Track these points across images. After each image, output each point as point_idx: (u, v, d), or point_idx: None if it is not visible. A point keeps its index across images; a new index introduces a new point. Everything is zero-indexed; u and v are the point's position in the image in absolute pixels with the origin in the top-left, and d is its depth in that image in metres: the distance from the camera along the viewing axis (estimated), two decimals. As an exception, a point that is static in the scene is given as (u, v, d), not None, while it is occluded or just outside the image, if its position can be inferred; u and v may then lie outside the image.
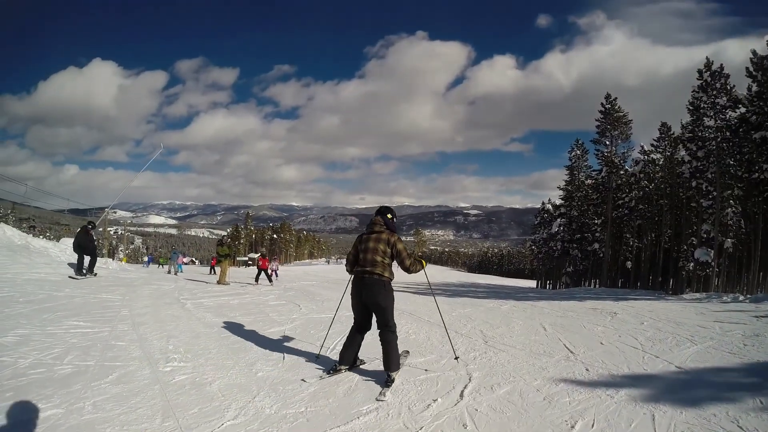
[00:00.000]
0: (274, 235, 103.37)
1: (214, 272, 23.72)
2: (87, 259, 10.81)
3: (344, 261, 4.25)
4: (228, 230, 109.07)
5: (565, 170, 31.97)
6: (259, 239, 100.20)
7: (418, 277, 21.50)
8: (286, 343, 4.75)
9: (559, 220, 29.62)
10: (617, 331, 5.86)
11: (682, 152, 22.42)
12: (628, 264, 26.57)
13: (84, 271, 10.68)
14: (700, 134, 20.54)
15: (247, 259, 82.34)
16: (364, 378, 3.52)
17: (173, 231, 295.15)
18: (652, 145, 26.39)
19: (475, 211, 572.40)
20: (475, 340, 5.10)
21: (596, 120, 27.40)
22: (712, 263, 19.51)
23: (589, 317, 7.27)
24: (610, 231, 25.94)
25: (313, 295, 10.64)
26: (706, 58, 21.13)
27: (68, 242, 16.31)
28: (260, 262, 14.63)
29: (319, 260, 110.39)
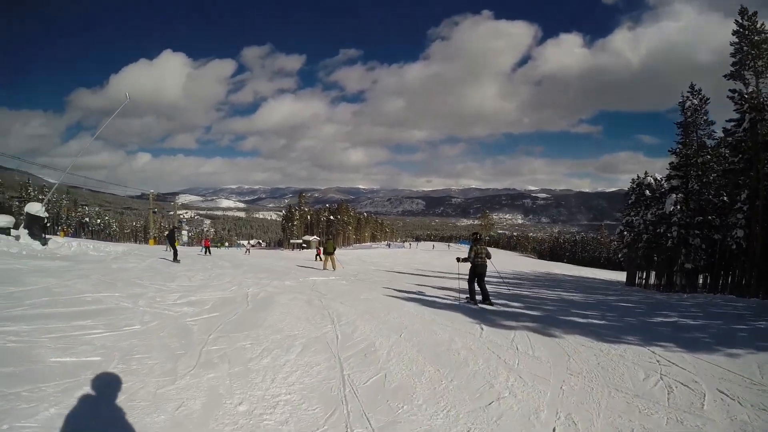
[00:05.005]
0: (331, 217, 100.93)
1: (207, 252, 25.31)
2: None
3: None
4: (282, 211, 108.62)
5: (677, 128, 23.53)
6: (315, 221, 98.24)
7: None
8: None
9: (674, 196, 21.51)
10: None
11: None
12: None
13: (178, 259, 15.16)
14: None
15: (301, 242, 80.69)
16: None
17: (241, 214, 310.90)
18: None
19: (543, 195, 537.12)
20: None
21: (731, 44, 18.93)
22: None
23: None
24: (763, 209, 17.80)
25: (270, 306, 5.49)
26: None
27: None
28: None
29: (380, 243, 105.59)
